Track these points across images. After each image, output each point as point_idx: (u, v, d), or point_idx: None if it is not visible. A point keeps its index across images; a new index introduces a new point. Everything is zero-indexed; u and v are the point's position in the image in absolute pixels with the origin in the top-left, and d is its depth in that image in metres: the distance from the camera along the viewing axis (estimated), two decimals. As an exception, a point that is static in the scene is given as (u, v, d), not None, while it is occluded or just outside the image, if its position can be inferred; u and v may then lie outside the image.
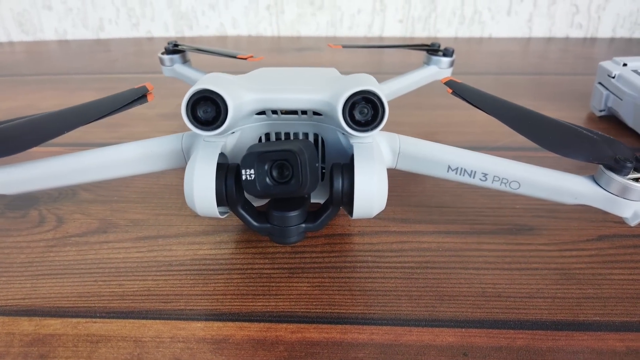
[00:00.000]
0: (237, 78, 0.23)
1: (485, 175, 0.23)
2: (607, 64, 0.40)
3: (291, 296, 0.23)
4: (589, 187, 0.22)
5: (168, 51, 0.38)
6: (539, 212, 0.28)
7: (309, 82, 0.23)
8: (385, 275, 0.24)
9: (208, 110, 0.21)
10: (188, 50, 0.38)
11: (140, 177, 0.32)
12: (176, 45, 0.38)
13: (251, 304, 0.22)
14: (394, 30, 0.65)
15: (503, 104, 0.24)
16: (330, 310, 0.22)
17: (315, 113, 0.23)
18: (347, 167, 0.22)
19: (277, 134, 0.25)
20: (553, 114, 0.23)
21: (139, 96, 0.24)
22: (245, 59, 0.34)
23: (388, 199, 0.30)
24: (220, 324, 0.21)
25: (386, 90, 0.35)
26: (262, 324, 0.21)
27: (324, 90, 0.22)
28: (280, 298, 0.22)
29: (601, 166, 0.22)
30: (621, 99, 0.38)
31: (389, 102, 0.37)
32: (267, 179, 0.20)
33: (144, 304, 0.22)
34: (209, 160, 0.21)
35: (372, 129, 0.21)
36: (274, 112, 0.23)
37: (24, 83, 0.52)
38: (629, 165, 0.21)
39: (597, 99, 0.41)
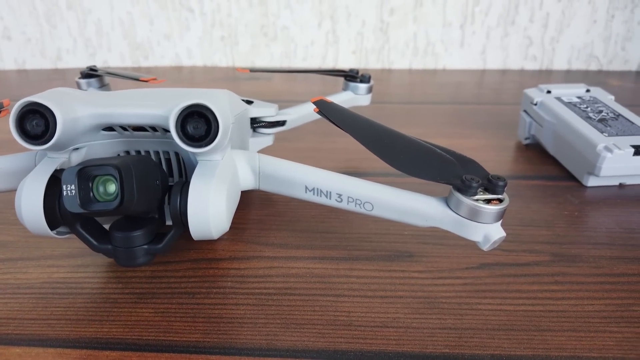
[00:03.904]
0: (85, 94, 0.22)
1: (340, 196, 0.22)
2: (531, 92, 0.40)
3: (129, 322, 0.21)
4: (440, 209, 0.21)
5: (84, 75, 0.38)
6: (426, 239, 0.27)
7: (159, 99, 0.22)
8: (239, 302, 0.23)
9: (38, 123, 0.20)
10: (103, 75, 0.38)
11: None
12: (93, 69, 0.38)
13: (83, 329, 0.21)
14: (348, 61, 0.65)
15: (364, 124, 0.23)
16: (163, 338, 0.20)
17: (167, 130, 0.23)
18: (186, 185, 0.21)
19: (137, 152, 0.24)
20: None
21: (-8, 112, 0.24)
22: (147, 81, 0.33)
23: (274, 224, 0.29)
24: (40, 350, 0.20)
25: (294, 115, 0.34)
26: (84, 351, 0.20)
27: (164, 105, 0.21)
28: (116, 324, 0.21)
29: (451, 187, 0.21)
30: (542, 126, 0.37)
31: (299, 127, 0.37)
32: (91, 195, 0.20)
33: (-30, 329, 0.21)
34: (41, 176, 0.20)
35: (205, 145, 0.20)
36: (125, 128, 0.23)
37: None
38: (475, 185, 0.20)
39: (522, 126, 0.40)
